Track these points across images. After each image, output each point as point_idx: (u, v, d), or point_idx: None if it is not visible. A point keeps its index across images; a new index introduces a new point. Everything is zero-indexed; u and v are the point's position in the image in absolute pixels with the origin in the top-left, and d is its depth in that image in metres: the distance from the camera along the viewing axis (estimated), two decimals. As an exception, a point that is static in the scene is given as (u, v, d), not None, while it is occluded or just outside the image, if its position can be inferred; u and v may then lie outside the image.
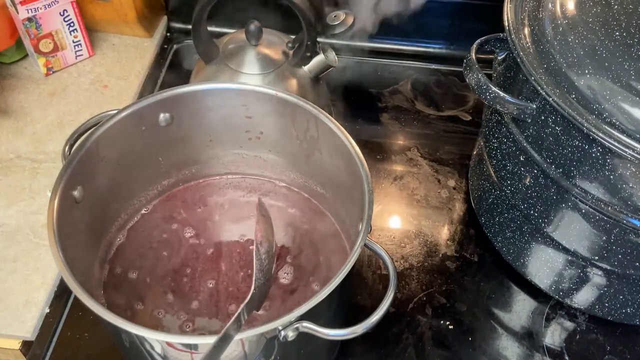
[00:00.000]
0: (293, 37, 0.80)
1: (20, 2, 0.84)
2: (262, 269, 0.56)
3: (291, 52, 0.79)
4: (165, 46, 1.00)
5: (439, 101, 0.95)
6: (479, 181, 0.78)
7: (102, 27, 0.98)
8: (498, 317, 0.73)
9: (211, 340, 0.49)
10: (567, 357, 0.70)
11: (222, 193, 0.75)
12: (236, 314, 0.49)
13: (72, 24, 0.90)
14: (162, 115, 0.67)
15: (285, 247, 0.70)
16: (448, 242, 0.79)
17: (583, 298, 0.70)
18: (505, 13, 0.63)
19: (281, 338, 0.50)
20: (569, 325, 0.73)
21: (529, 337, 0.71)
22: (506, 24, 0.62)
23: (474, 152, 0.83)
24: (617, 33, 0.56)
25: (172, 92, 0.66)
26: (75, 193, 0.60)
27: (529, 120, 0.61)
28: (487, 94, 0.62)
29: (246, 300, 0.52)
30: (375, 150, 0.88)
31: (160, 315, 0.64)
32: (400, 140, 0.90)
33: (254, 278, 0.55)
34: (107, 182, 0.65)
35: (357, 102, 0.95)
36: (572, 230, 0.63)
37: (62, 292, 0.71)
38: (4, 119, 0.86)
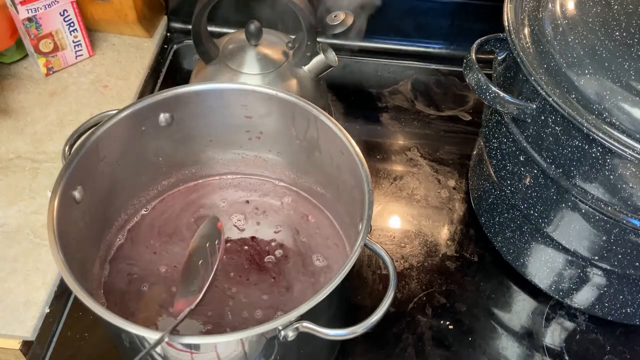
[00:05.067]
0: (293, 37, 0.80)
1: (20, 2, 0.84)
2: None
3: (291, 52, 0.79)
4: (165, 46, 1.00)
5: (439, 101, 0.95)
6: (479, 181, 0.78)
7: (102, 27, 0.98)
8: (498, 317, 0.73)
9: (212, 340, 0.49)
10: (567, 357, 0.70)
11: (222, 193, 0.75)
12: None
13: (72, 24, 0.90)
14: (162, 115, 0.67)
15: (285, 247, 0.70)
16: (448, 242, 0.79)
17: (583, 298, 0.70)
18: (505, 13, 0.63)
19: (281, 338, 0.50)
20: (569, 325, 0.73)
21: (529, 337, 0.71)
22: (506, 24, 0.62)
23: (474, 152, 0.83)
24: (617, 33, 0.56)
25: (172, 92, 0.66)
26: (75, 193, 0.60)
27: (529, 120, 0.61)
28: (487, 94, 0.62)
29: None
30: (375, 150, 0.88)
31: (161, 315, 0.64)
32: (400, 140, 0.90)
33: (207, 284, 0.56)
34: (107, 182, 0.65)
35: (357, 102, 0.95)
36: (572, 230, 0.63)
37: (62, 292, 0.71)
38: (4, 119, 0.86)
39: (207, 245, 0.59)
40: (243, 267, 0.68)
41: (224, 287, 0.67)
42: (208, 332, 0.63)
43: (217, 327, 0.64)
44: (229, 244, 0.70)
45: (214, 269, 0.56)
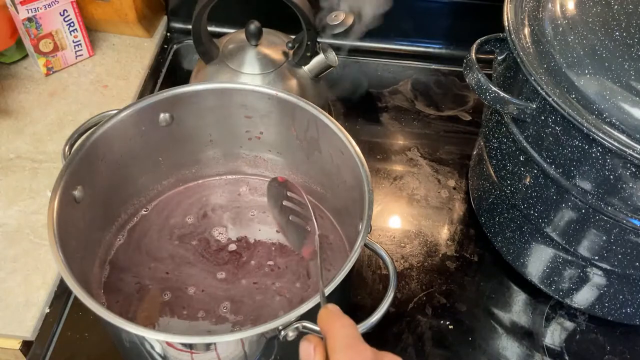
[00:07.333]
0: (293, 37, 0.80)
1: (20, 2, 0.84)
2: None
3: (291, 52, 0.79)
4: (165, 46, 1.00)
5: (439, 101, 0.95)
6: (479, 181, 0.78)
7: (102, 27, 0.98)
8: (498, 317, 0.73)
9: (212, 339, 0.49)
10: (567, 357, 0.70)
11: (222, 193, 0.75)
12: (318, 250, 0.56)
13: (72, 24, 0.90)
14: (162, 115, 0.67)
15: (285, 246, 0.70)
16: (448, 242, 0.79)
17: (583, 298, 0.70)
18: (505, 13, 0.63)
19: (281, 338, 0.50)
20: (569, 325, 0.73)
21: (529, 337, 0.71)
22: (506, 24, 0.62)
23: (474, 152, 0.83)
24: (617, 33, 0.56)
25: (172, 92, 0.66)
26: (75, 193, 0.60)
27: (529, 120, 0.61)
28: (487, 94, 0.62)
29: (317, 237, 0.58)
30: (375, 150, 0.88)
31: (161, 315, 0.64)
32: (400, 140, 0.90)
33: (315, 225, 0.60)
34: (107, 182, 0.65)
35: (357, 102, 0.95)
36: (572, 230, 0.63)
37: (62, 292, 0.71)
38: (4, 119, 0.86)
39: (283, 203, 0.63)
40: (271, 255, 0.69)
41: (267, 284, 0.67)
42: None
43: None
44: (237, 253, 0.70)
45: (308, 205, 0.61)
